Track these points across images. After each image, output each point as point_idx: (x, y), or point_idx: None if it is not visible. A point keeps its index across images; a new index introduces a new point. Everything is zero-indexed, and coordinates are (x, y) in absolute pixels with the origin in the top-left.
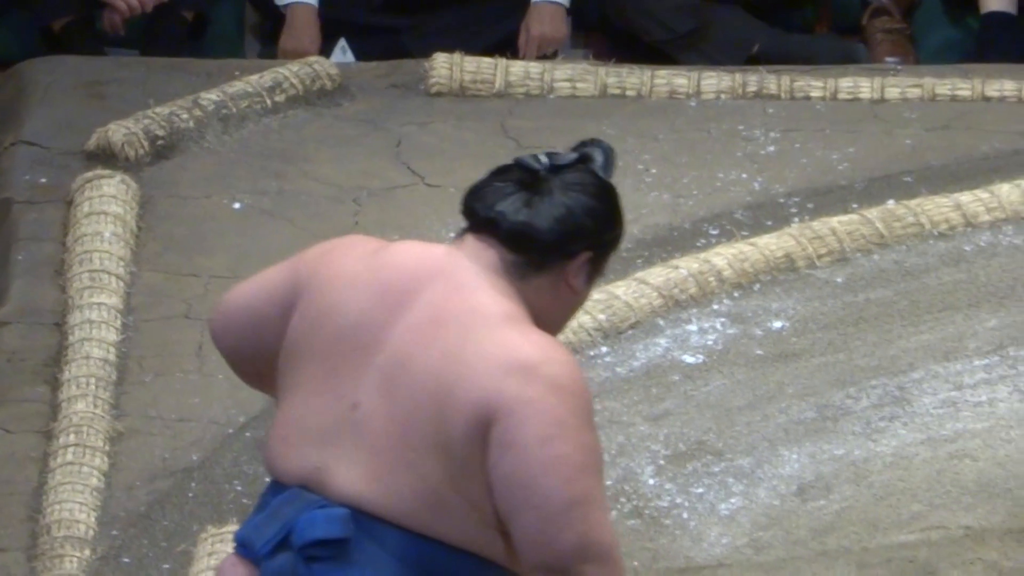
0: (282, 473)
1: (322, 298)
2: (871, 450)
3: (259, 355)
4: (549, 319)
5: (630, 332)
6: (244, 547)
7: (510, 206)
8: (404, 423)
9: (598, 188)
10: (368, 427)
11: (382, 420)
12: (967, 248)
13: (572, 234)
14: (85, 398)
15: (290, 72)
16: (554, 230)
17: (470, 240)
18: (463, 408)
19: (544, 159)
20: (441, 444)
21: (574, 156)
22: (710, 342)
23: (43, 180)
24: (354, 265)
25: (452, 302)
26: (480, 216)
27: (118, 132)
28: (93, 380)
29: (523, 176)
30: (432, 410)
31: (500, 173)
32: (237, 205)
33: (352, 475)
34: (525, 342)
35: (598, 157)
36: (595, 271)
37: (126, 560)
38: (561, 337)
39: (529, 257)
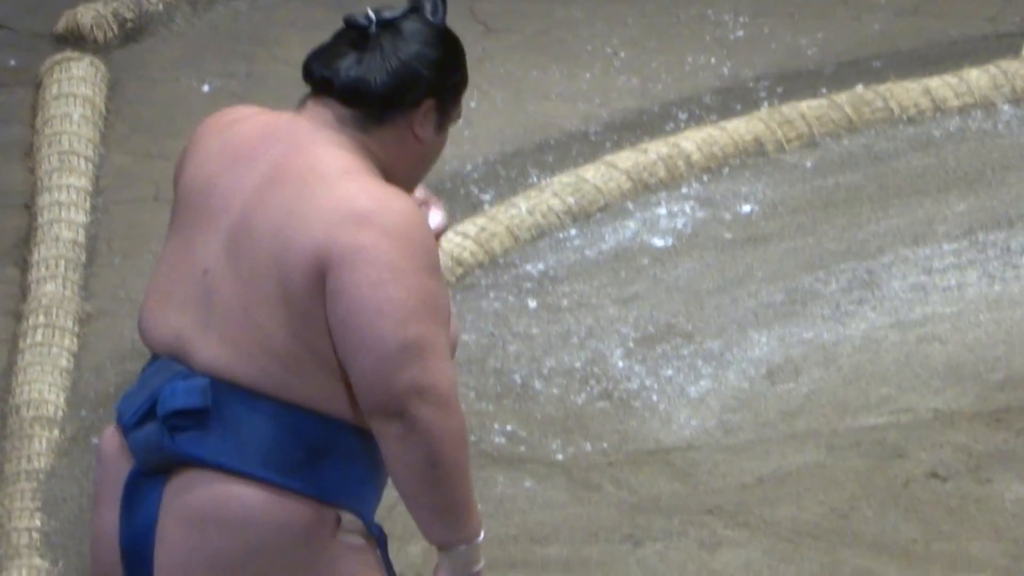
0: (152, 344)
1: (185, 173)
2: (840, 333)
3: None
4: (401, 172)
5: (599, 215)
6: (120, 418)
7: (343, 64)
8: (249, 284)
9: (431, 35)
10: (217, 291)
11: (229, 283)
12: (936, 133)
13: (407, 84)
14: (54, 279)
15: None
16: (386, 83)
17: (310, 103)
18: (299, 261)
19: (372, 14)
20: (284, 300)
21: (402, 8)
22: (679, 225)
23: (12, 62)
24: (211, 138)
25: (291, 161)
26: (316, 77)
27: (87, 14)
28: (62, 262)
29: (355, 35)
30: (273, 267)
31: (337, 36)
32: (206, 87)
33: (208, 341)
34: (361, 192)
35: (427, 4)
36: (444, 118)
37: (95, 440)
38: (529, 220)
39: (367, 111)
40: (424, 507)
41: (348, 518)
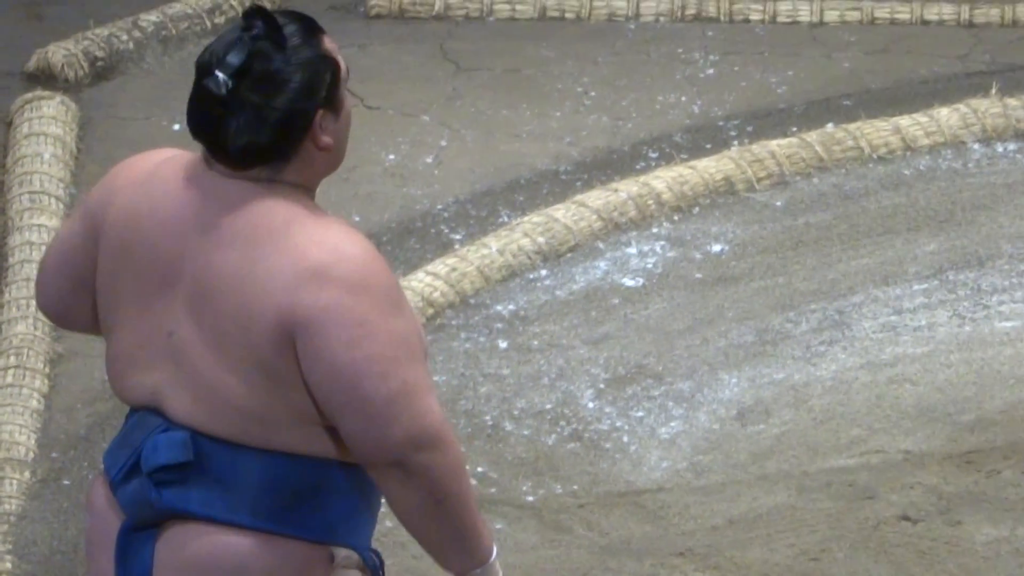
0: (128, 402)
1: (117, 236)
2: (811, 374)
3: (81, 300)
4: (322, 174)
5: (569, 255)
6: (106, 472)
7: (222, 131)
8: (216, 349)
9: (289, 64)
10: (185, 354)
11: (197, 347)
12: (906, 172)
13: (293, 125)
14: (25, 320)
15: None
16: (275, 133)
17: (217, 162)
18: (265, 328)
19: (221, 76)
20: (256, 365)
21: (243, 53)
22: (650, 265)
23: None
24: (135, 197)
25: (227, 220)
26: (209, 147)
27: (58, 53)
28: (33, 302)
29: (218, 100)
30: (239, 336)
31: (200, 99)
32: (177, 127)
33: (183, 400)
34: (311, 245)
35: (259, 28)
36: (337, 107)
37: (66, 482)
38: (500, 260)
39: (271, 161)
40: (433, 541)
41: (342, 553)
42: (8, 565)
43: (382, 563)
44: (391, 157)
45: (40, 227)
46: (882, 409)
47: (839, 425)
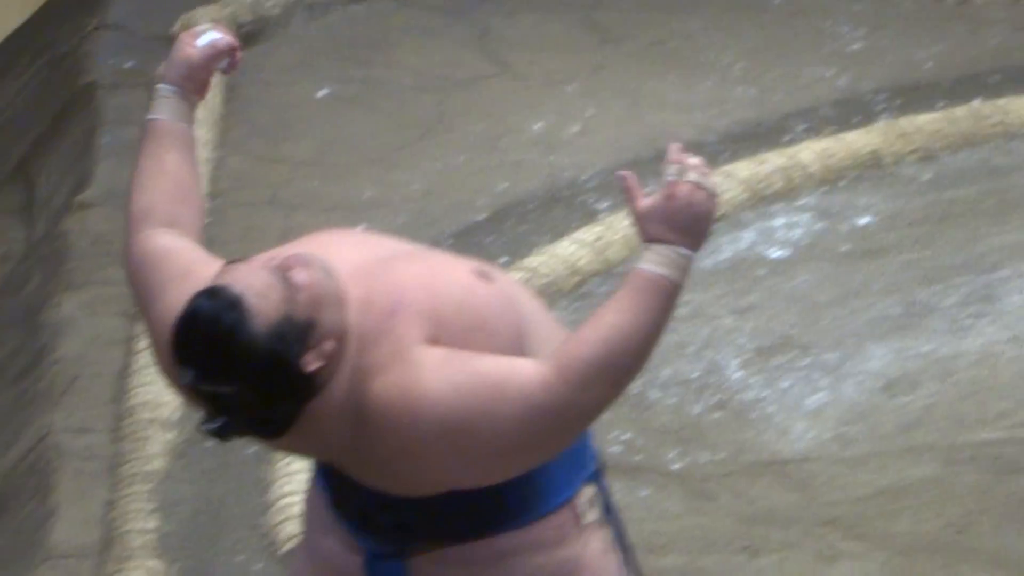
0: None
1: None
2: (957, 347)
3: None
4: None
5: (715, 225)
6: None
7: (232, 429)
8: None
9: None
10: None
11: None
12: None
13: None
14: None
15: None
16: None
17: None
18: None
19: (188, 374)
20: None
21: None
22: (796, 237)
23: (128, 64)
24: None
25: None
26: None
27: (204, 17)
28: None
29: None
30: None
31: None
32: (322, 92)
33: None
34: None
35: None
36: (325, 338)
37: (211, 443)
38: None
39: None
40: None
41: (583, 499)
42: (153, 524)
43: (602, 468)
44: (537, 126)
45: None
46: None
47: (986, 398)
